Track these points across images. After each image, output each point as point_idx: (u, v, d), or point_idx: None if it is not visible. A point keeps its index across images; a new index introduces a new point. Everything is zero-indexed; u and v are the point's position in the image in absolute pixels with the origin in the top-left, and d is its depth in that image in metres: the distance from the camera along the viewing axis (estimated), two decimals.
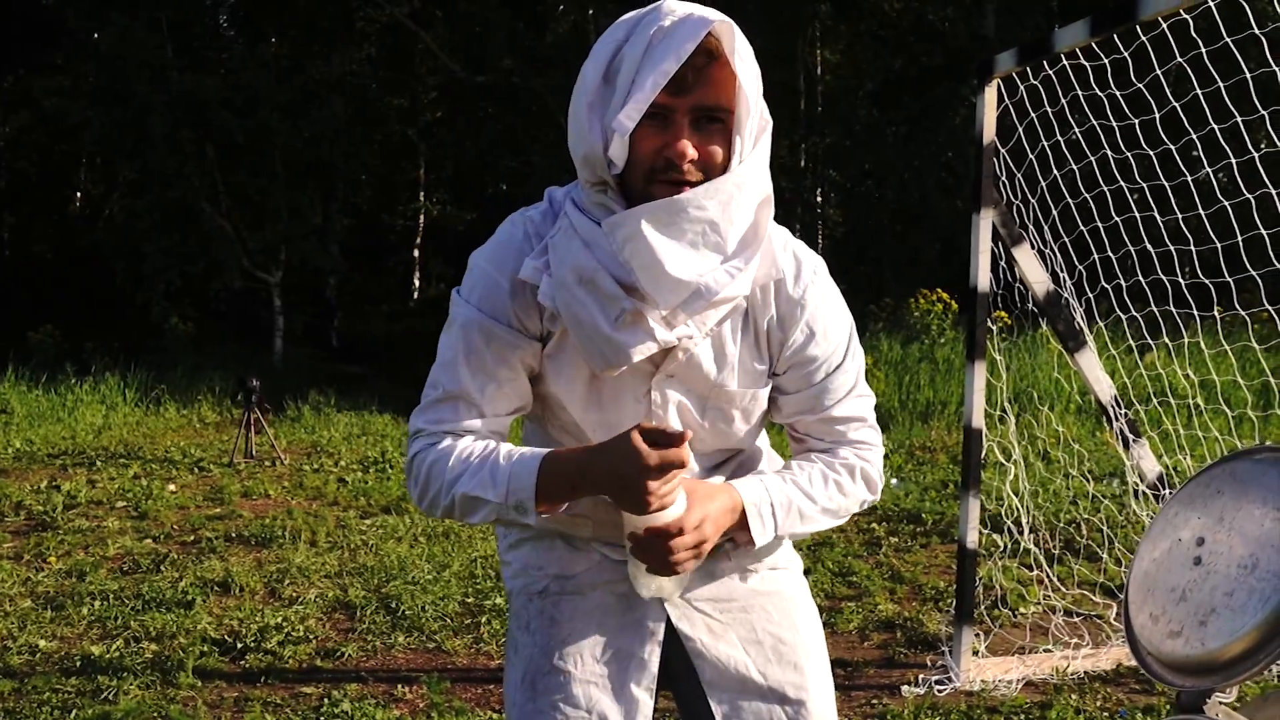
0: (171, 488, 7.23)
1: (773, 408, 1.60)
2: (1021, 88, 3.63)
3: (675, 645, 1.61)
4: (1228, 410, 3.91)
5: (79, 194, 19.85)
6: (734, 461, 1.65)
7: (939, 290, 12.25)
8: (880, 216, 18.17)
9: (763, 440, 1.72)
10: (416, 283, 28.74)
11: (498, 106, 17.65)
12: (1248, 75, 2.74)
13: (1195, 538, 1.12)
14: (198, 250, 13.93)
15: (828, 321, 1.53)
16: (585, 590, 1.61)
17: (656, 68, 1.27)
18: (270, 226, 14.50)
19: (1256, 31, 2.71)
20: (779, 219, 1.52)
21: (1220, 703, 1.03)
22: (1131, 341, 4.27)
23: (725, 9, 1.41)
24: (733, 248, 1.38)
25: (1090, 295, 3.61)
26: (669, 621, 1.59)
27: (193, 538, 5.79)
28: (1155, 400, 4.22)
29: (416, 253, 28.45)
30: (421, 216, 28.08)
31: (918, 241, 17.35)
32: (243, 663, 3.94)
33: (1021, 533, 4.47)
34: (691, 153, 1.33)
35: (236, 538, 5.76)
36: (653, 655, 1.58)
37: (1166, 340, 3.86)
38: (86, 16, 13.02)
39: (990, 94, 3.69)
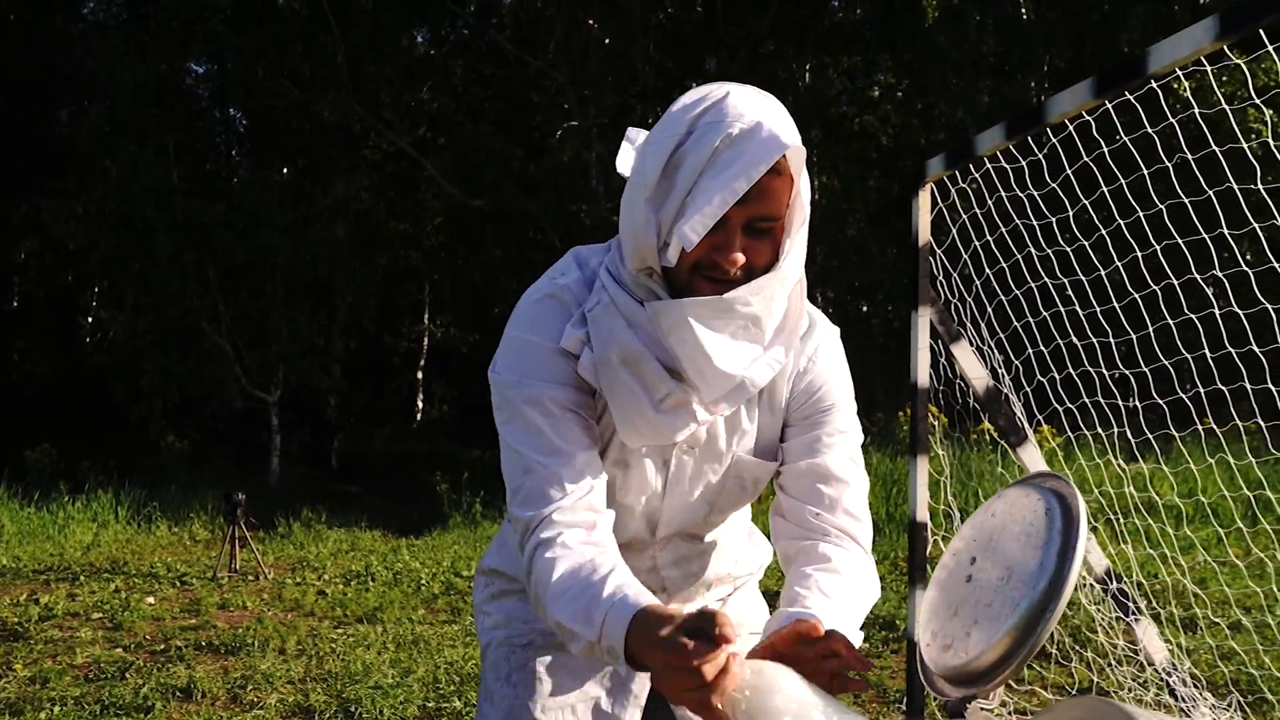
0: (150, 600, 7.22)
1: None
2: (953, 190, 3.77)
3: (660, 708, 1.65)
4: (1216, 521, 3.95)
5: (90, 319, 20.27)
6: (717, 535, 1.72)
7: (929, 406, 12.31)
8: (870, 333, 18.39)
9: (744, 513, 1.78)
10: (420, 404, 28.91)
11: (496, 228, 18.06)
12: (1144, 171, 2.87)
13: (969, 558, 1.19)
14: (196, 369, 14.12)
15: (837, 379, 1.59)
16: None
17: (725, 184, 1.28)
18: (268, 346, 14.71)
19: (1149, 130, 2.86)
20: None
21: (980, 708, 1.09)
22: (1119, 454, 4.33)
23: None
24: (770, 338, 1.44)
25: (1028, 389, 3.69)
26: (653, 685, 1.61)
27: (163, 646, 5.77)
28: (1143, 510, 4.25)
29: (420, 375, 28.70)
30: (425, 339, 28.42)
31: (907, 358, 17.49)
32: None
33: None
34: (740, 259, 1.36)
35: (206, 646, 5.74)
36: (634, 718, 1.62)
37: (1157, 448, 3.92)
38: (98, 144, 13.50)
39: (924, 197, 3.85)
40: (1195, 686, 3.82)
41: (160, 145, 13.60)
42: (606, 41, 15.88)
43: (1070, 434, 3.56)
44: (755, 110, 1.33)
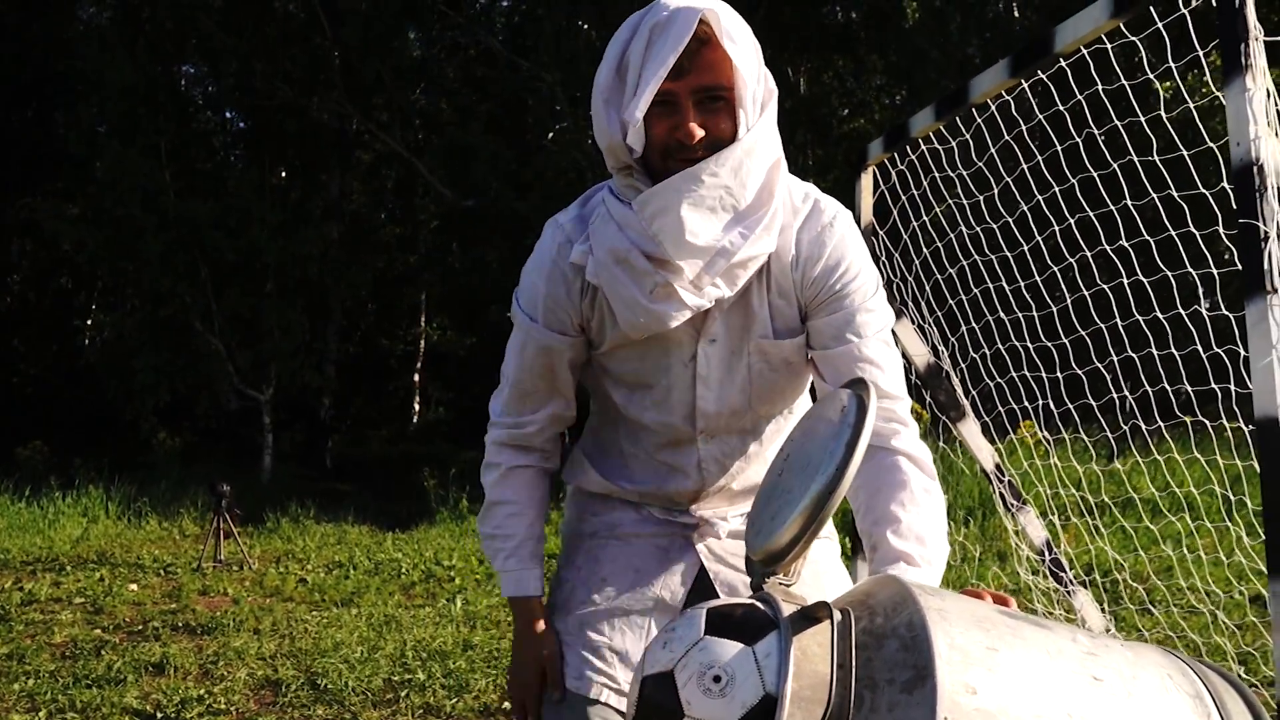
0: (133, 587, 7.34)
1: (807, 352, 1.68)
2: (893, 172, 3.90)
3: (707, 589, 1.75)
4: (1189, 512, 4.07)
5: (89, 320, 20.44)
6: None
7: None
8: None
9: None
10: (416, 407, 29.02)
11: (489, 230, 18.19)
12: (1058, 148, 3.00)
13: (785, 455, 1.32)
14: (188, 368, 14.25)
15: (852, 256, 1.62)
16: (629, 539, 1.79)
17: (657, 59, 1.43)
18: (260, 345, 14.84)
19: (1061, 108, 2.98)
20: None
21: (779, 583, 1.22)
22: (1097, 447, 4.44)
23: None
24: (747, 209, 1.52)
25: (964, 365, 3.81)
26: (702, 573, 1.76)
27: (141, 628, 5.90)
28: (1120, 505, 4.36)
29: (417, 377, 28.81)
30: (422, 342, 28.54)
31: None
32: None
33: None
34: (699, 132, 1.47)
35: (182, 627, 5.87)
36: (678, 603, 1.73)
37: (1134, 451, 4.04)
38: (86, 144, 13.65)
39: (866, 180, 3.98)
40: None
41: (150, 145, 13.74)
42: (598, 44, 16.02)
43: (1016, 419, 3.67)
44: None
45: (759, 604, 1.13)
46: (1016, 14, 15.82)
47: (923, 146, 3.67)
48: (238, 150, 19.81)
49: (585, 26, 16.12)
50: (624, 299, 1.57)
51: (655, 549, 1.77)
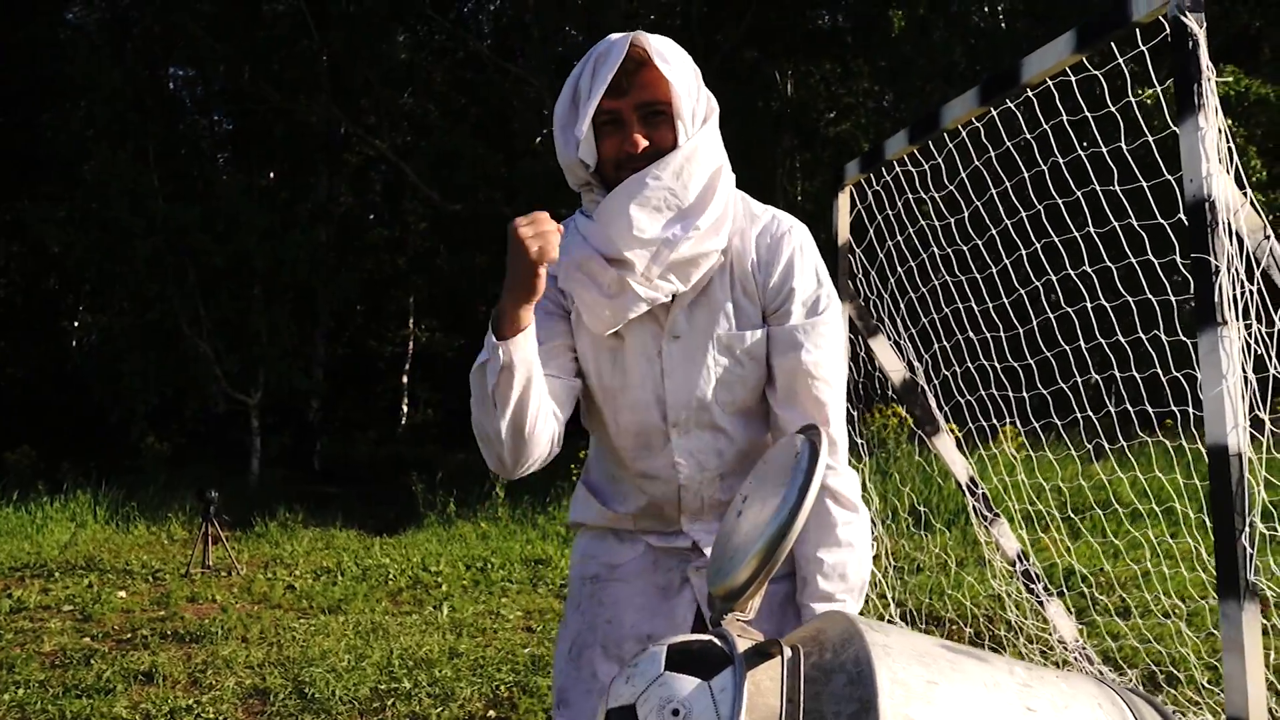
0: (122, 594, 7.39)
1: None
2: (869, 193, 3.99)
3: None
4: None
5: (76, 323, 20.45)
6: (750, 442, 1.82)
7: (894, 406, 12.52)
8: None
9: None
10: (405, 409, 29.03)
11: (477, 233, 18.24)
12: (1024, 174, 3.09)
13: (743, 498, 1.41)
14: (175, 371, 14.28)
15: (806, 266, 1.75)
16: (629, 579, 1.86)
17: (599, 80, 1.62)
18: (248, 349, 14.87)
19: (1028, 135, 3.07)
20: None
21: (736, 619, 1.31)
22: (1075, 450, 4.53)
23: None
24: (690, 209, 1.67)
25: (936, 382, 3.90)
26: (699, 615, 1.83)
27: (130, 636, 5.95)
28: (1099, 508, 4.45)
29: (405, 379, 28.83)
30: (411, 344, 28.55)
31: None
32: None
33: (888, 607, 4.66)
34: (643, 142, 1.66)
35: (171, 635, 5.92)
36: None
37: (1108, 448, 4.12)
38: (73, 148, 13.67)
39: (844, 199, 4.07)
40: (1100, 662, 4.04)
41: (138, 149, 13.77)
42: (586, 46, 16.09)
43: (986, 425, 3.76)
44: (624, 34, 1.66)
45: (716, 640, 1.20)
46: (1003, 24, 15.94)
47: (898, 169, 3.76)
48: (225, 153, 19.82)
49: (571, 31, 16.19)
50: (586, 301, 1.72)
51: (655, 589, 1.84)
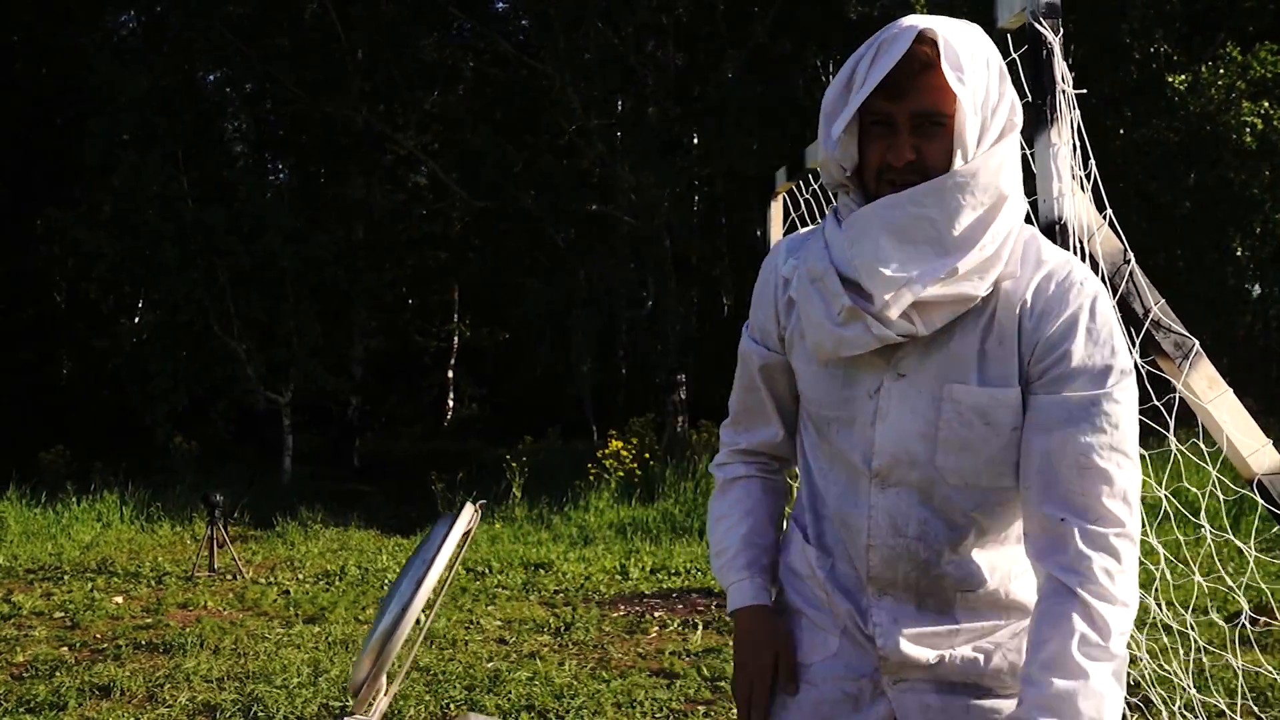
0: (118, 599, 7.45)
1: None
2: (801, 200, 3.84)
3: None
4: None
5: (110, 324, 20.83)
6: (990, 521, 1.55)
7: None
8: None
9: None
10: (450, 404, 29.19)
11: (510, 228, 18.27)
12: None
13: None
14: (206, 371, 14.47)
15: (1098, 325, 1.43)
16: (817, 681, 1.62)
17: (872, 77, 1.38)
18: (277, 349, 15.02)
19: None
20: None
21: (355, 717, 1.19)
22: None
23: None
24: (952, 245, 1.41)
25: None
26: None
27: (106, 646, 5.98)
28: None
29: (450, 374, 28.97)
30: (455, 338, 28.67)
31: None
32: None
33: None
34: (908, 154, 1.40)
35: (145, 645, 5.94)
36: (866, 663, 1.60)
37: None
38: (100, 153, 13.87)
39: (776, 207, 3.92)
40: None
41: (167, 153, 13.95)
42: (616, 42, 15.96)
43: None
44: (918, 18, 1.41)
45: None
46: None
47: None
48: (254, 156, 20.04)
49: (601, 26, 16.06)
50: (812, 320, 1.53)
51: (844, 696, 1.60)
